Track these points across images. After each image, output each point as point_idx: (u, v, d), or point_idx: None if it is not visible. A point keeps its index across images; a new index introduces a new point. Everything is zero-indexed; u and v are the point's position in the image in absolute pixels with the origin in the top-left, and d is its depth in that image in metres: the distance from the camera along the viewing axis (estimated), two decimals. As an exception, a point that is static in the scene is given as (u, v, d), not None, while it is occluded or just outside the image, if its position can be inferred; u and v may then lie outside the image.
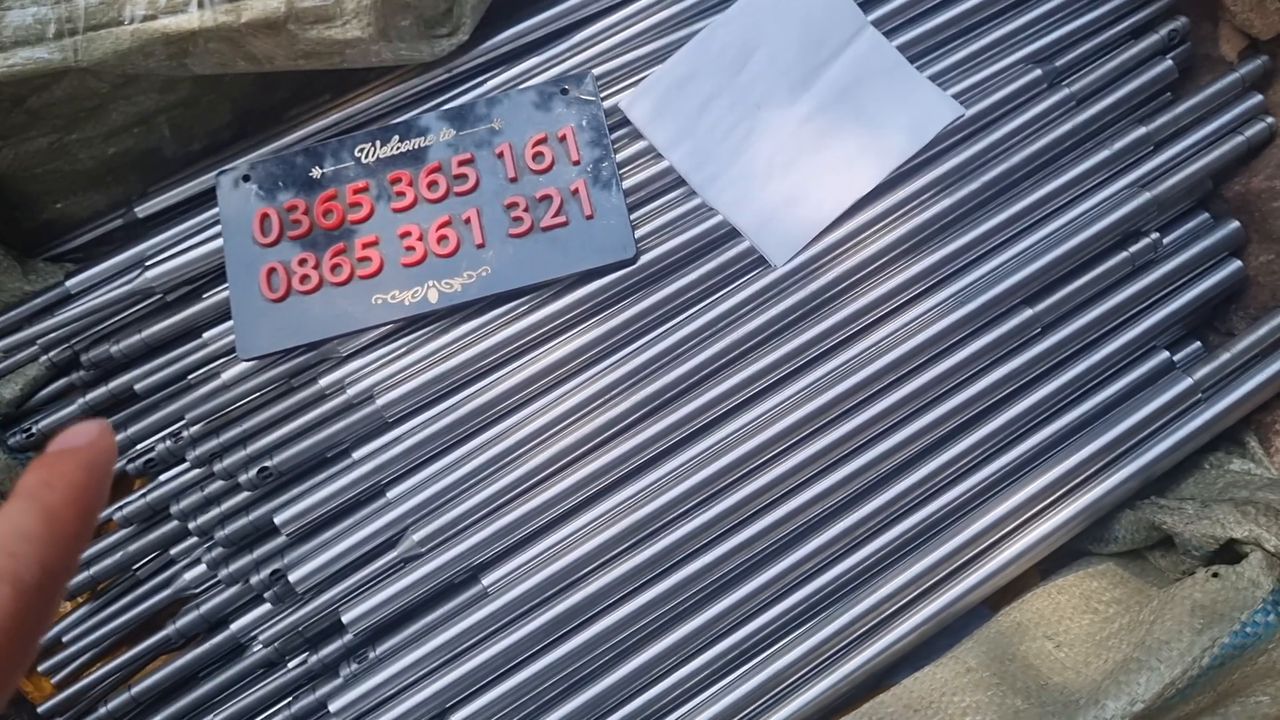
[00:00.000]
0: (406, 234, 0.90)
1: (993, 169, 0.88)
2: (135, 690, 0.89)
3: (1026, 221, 0.87)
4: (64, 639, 0.93)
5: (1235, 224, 0.89)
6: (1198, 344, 0.91)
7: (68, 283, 0.96)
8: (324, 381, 0.88)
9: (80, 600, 0.95)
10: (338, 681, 0.83)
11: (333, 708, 0.79)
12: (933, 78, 0.90)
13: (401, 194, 0.91)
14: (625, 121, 0.93)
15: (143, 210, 0.98)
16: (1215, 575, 0.71)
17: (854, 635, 0.81)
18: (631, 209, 0.89)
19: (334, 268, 0.89)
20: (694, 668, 0.81)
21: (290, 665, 0.87)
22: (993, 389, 0.85)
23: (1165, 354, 0.87)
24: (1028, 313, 0.85)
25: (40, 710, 0.91)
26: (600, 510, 0.83)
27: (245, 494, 0.87)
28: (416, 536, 0.82)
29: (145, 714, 0.90)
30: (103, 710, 0.90)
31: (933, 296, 0.86)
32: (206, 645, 0.89)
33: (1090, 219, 0.86)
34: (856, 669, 0.80)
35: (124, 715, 0.90)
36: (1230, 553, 0.73)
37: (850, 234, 0.87)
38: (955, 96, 0.89)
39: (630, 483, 0.84)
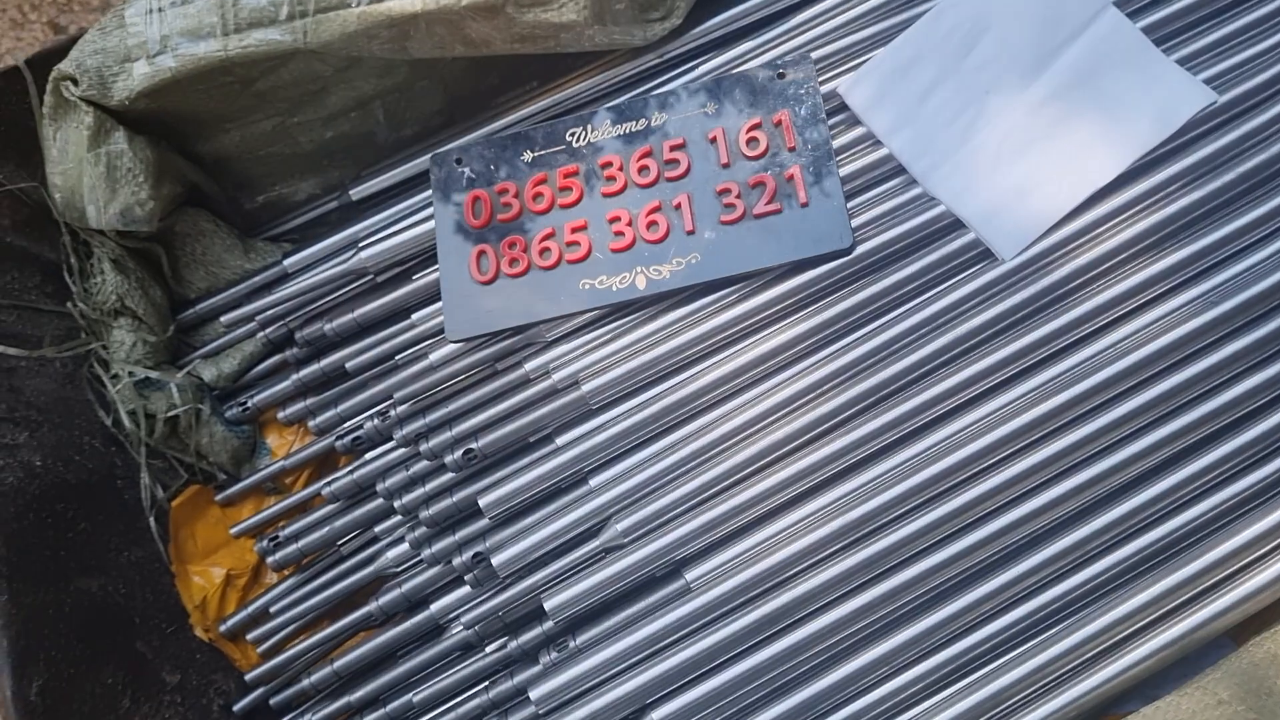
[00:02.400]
0: (615, 219, 0.88)
1: (1249, 160, 0.81)
2: (338, 664, 0.91)
3: (1289, 217, 0.80)
4: (271, 610, 0.95)
5: None
6: None
7: (285, 262, 0.99)
8: (529, 366, 0.87)
9: (287, 573, 0.97)
10: (536, 669, 0.82)
11: (533, 695, 0.78)
12: (1181, 61, 0.84)
13: (612, 178, 0.89)
14: (843, 107, 0.89)
15: (357, 193, 1.00)
16: None
17: (1082, 658, 0.75)
18: (848, 197, 0.86)
19: (542, 251, 0.89)
20: (905, 680, 0.77)
21: (489, 649, 0.86)
22: (1248, 397, 0.77)
23: None
24: (1292, 314, 0.77)
25: (248, 678, 0.94)
26: (811, 509, 0.80)
27: (450, 475, 0.87)
28: (620, 526, 0.80)
29: (346, 688, 0.91)
30: (305, 682, 0.92)
31: (1179, 295, 0.79)
32: (407, 624, 0.90)
33: (1367, 214, 0.78)
34: (1083, 695, 0.74)
35: (326, 687, 0.92)
36: None
37: (1087, 227, 0.81)
38: (1206, 82, 0.82)
39: (843, 481, 0.80)
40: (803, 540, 0.78)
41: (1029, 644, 0.76)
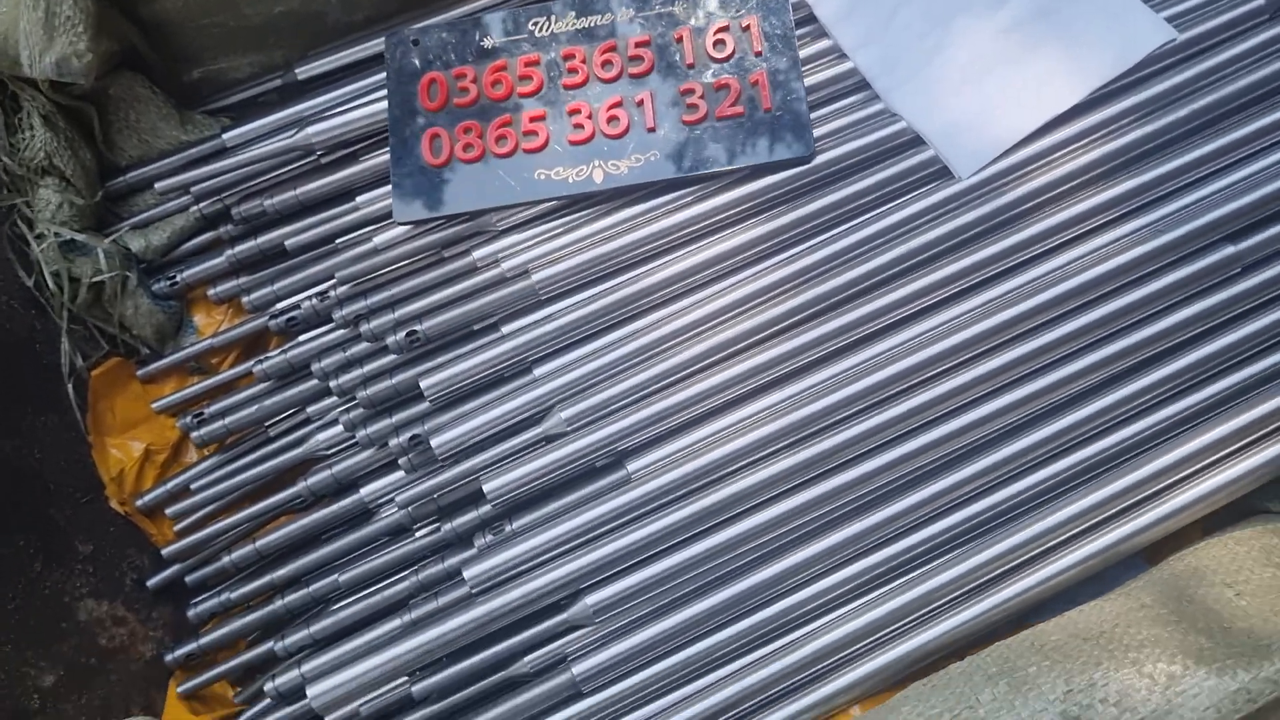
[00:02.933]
0: (576, 111, 0.87)
1: (1203, 98, 0.83)
2: (260, 543, 0.88)
3: (1236, 155, 0.82)
4: (191, 487, 0.92)
5: None
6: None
7: (224, 135, 0.95)
8: (478, 254, 0.86)
9: (210, 452, 0.94)
10: (470, 552, 0.81)
11: (467, 574, 0.77)
12: (1144, -1, 0.85)
13: (574, 70, 0.88)
14: (812, 18, 0.89)
15: (303, 73, 0.97)
16: None
17: (1007, 566, 0.77)
18: (811, 108, 0.85)
19: (499, 139, 0.87)
20: (839, 579, 0.78)
21: (419, 534, 0.85)
22: (1182, 326, 0.80)
23: (1374, 310, 0.82)
24: (1229, 250, 0.80)
25: (164, 553, 0.91)
26: (755, 408, 0.80)
27: (389, 358, 0.85)
28: (563, 415, 0.80)
29: (268, 568, 0.89)
30: (226, 560, 0.89)
31: (1127, 224, 0.81)
32: (335, 506, 0.88)
33: (1306, 158, 0.81)
34: (1005, 600, 0.77)
35: (247, 566, 0.89)
36: None
37: (1043, 152, 0.82)
38: (1169, 20, 0.84)
39: (788, 384, 0.80)
40: (745, 438, 0.78)
41: (960, 549, 0.78)
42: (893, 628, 0.77)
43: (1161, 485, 0.78)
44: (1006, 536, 0.77)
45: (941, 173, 0.84)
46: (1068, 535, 0.78)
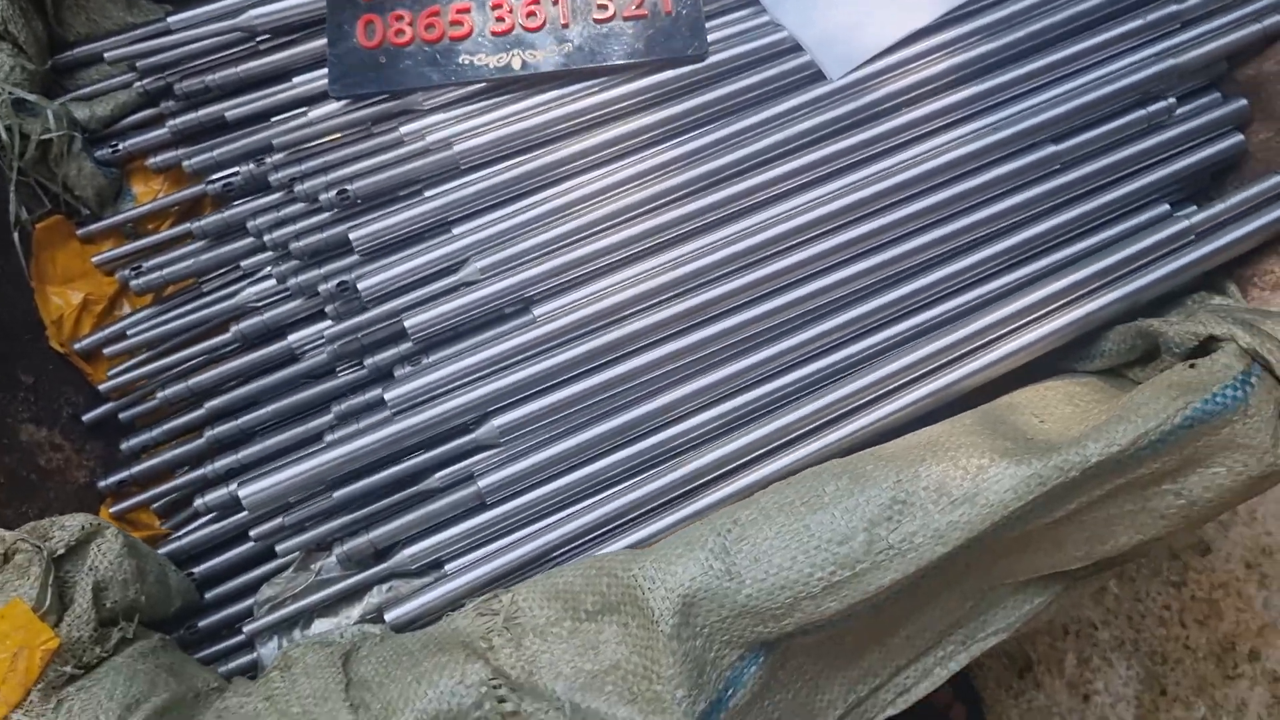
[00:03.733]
0: (499, 5, 0.98)
1: (1038, 21, 0.97)
2: (192, 382, 0.97)
3: (1062, 71, 0.97)
4: (128, 333, 1.00)
5: (1243, 101, 0.99)
6: (1195, 208, 1.00)
7: (169, 20, 1.03)
8: (405, 129, 0.96)
9: (146, 301, 1.02)
10: (391, 382, 0.91)
11: (387, 396, 0.87)
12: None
13: (498, -31, 0.99)
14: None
15: (245, -36, 1.05)
16: (1192, 366, 0.80)
17: (859, 403, 0.90)
18: (706, 16, 0.98)
19: (427, 26, 0.97)
20: (717, 412, 0.90)
21: (341, 373, 0.94)
22: (1010, 212, 0.94)
23: (1166, 206, 0.97)
24: (1051, 149, 0.94)
25: (100, 388, 0.98)
26: (646, 266, 0.91)
27: (321, 216, 0.94)
28: (479, 264, 0.90)
29: (198, 402, 0.97)
30: (159, 397, 0.97)
31: (969, 124, 0.95)
32: (264, 350, 0.96)
33: (1118, 76, 0.96)
34: (857, 429, 0.90)
35: (179, 401, 0.97)
36: (1207, 351, 0.82)
37: (903, 60, 0.96)
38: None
39: (677, 246, 0.92)
40: (636, 289, 0.90)
41: (818, 390, 0.91)
42: (760, 450, 0.89)
43: (985, 340, 0.92)
44: (857, 379, 0.90)
45: (816, 75, 0.96)
46: (908, 379, 0.91)
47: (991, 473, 0.75)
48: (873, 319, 0.92)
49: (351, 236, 0.91)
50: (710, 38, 0.97)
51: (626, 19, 0.97)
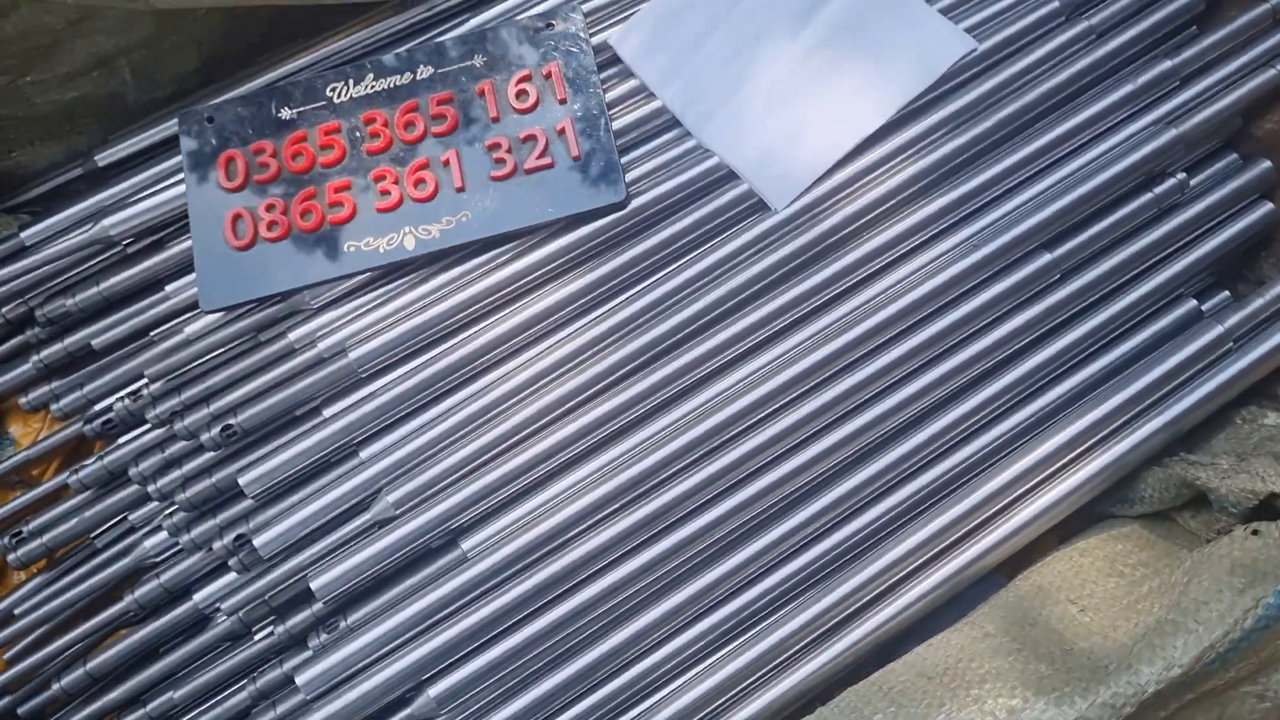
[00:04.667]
0: (381, 177, 0.84)
1: (1007, 106, 0.82)
2: (91, 665, 0.83)
3: (1044, 161, 0.82)
4: (16, 612, 0.87)
5: (1267, 164, 0.83)
6: (1226, 294, 0.85)
7: (22, 234, 0.90)
8: (293, 335, 0.82)
9: (35, 570, 0.89)
10: (306, 654, 0.77)
11: (300, 680, 0.73)
12: (944, 10, 0.84)
13: (376, 134, 0.85)
14: (615, 59, 0.87)
15: (103, 159, 0.92)
16: (1255, 533, 0.65)
17: (859, 602, 0.76)
18: (622, 151, 0.84)
19: (304, 213, 0.83)
20: (689, 637, 0.76)
21: (257, 637, 0.81)
22: (1008, 339, 0.79)
23: (1193, 302, 0.82)
24: (1046, 258, 0.79)
25: (-7, 685, 0.86)
26: (587, 470, 0.77)
27: (208, 455, 0.81)
28: (391, 498, 0.76)
29: (103, 690, 0.84)
30: (56, 687, 0.84)
31: (945, 241, 0.80)
32: (168, 617, 0.83)
33: (1113, 158, 0.81)
34: (861, 639, 0.75)
35: (80, 692, 0.84)
36: (1270, 509, 0.67)
37: (855, 175, 0.81)
38: (968, 30, 0.83)
39: (620, 441, 0.78)
40: (579, 502, 0.76)
41: (811, 591, 0.77)
42: (748, 682, 0.74)
43: (1005, 501, 0.77)
44: (856, 572, 0.76)
45: (759, 206, 0.82)
46: (919, 563, 0.76)
47: (1026, 718, 0.61)
48: (866, 492, 0.78)
49: (241, 482, 0.78)
50: (629, 176, 0.83)
51: (529, 171, 0.83)
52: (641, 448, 0.77)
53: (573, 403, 0.78)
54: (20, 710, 0.85)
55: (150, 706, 0.82)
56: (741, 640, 0.76)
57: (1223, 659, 0.61)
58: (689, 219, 0.82)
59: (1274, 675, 0.64)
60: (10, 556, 0.86)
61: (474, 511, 0.77)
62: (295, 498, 0.79)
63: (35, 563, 0.88)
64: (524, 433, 0.78)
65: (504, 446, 0.78)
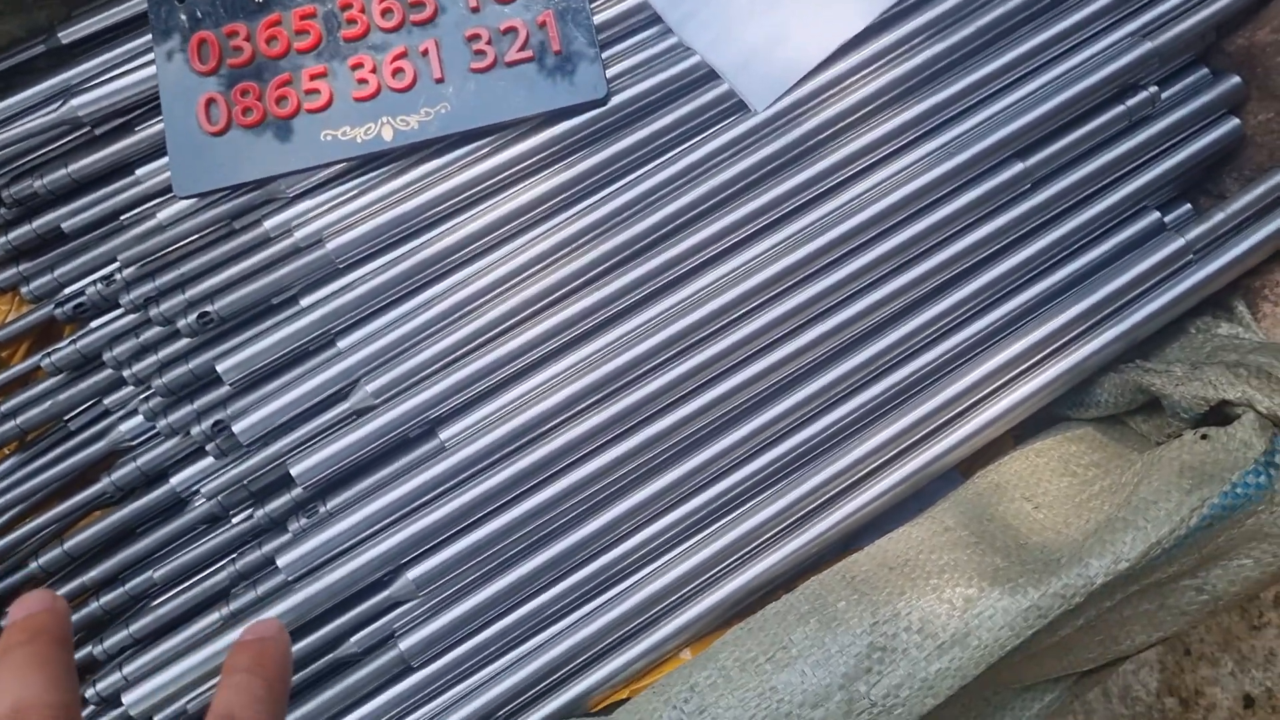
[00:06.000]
0: (358, 65, 0.83)
1: (987, 14, 0.82)
2: (69, 545, 0.85)
3: (1021, 71, 0.83)
4: (-10, 492, 0.88)
5: (1236, 79, 0.85)
6: (1189, 206, 0.87)
7: (-14, 111, 0.88)
8: (269, 224, 0.82)
9: (7, 452, 0.89)
10: (286, 537, 0.79)
11: (281, 562, 0.75)
12: (928, -86, 0.84)
13: (353, 21, 0.83)
14: (598, -49, 0.86)
15: (67, 35, 0.90)
16: (1204, 437, 0.69)
17: (825, 496, 0.79)
18: (603, 46, 0.83)
19: (279, 99, 0.82)
20: (660, 527, 0.79)
21: (235, 520, 0.83)
22: (978, 246, 0.81)
23: (1156, 214, 0.84)
24: (1018, 166, 0.81)
25: (-32, 565, 0.87)
26: (566, 364, 0.79)
27: (185, 341, 0.81)
28: (370, 388, 0.77)
29: (81, 569, 0.85)
30: (35, 565, 0.85)
31: (920, 147, 0.81)
32: (145, 499, 0.84)
33: (1087, 69, 0.82)
34: (826, 530, 0.78)
35: (58, 570, 0.86)
36: (1219, 415, 0.71)
37: (836, 78, 0.81)
38: (952, -67, 0.83)
39: (598, 336, 0.79)
40: (557, 395, 0.77)
41: (778, 485, 0.79)
42: (717, 569, 0.78)
43: (968, 403, 0.80)
44: (823, 468, 0.79)
45: (739, 106, 0.82)
46: (883, 460, 0.79)
47: (982, 607, 0.64)
48: (834, 392, 0.80)
49: (219, 369, 0.78)
50: (610, 72, 0.82)
51: (510, 65, 0.82)
52: (618, 343, 0.79)
53: (552, 297, 0.79)
54: (-2, 587, 0.87)
55: (129, 585, 0.84)
56: (712, 530, 0.79)
57: (1168, 555, 0.64)
58: (669, 118, 0.82)
59: (1213, 570, 0.68)
60: (-29, 443, 0.87)
61: (452, 402, 0.78)
62: (273, 385, 0.79)
63: (9, 443, 0.88)
64: (502, 326, 0.79)
65: (483, 339, 0.79)
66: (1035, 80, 0.82)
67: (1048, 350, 0.80)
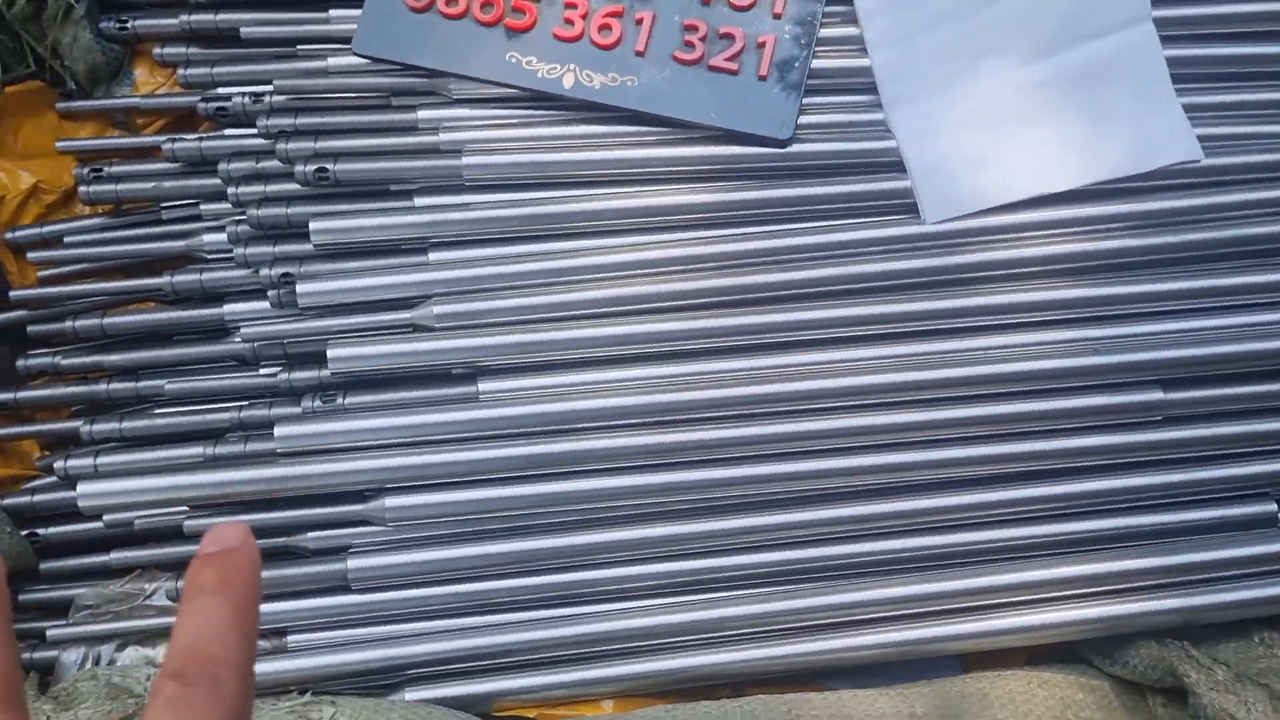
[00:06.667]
0: (572, 4, 0.81)
1: (1199, 232, 0.77)
2: (107, 321, 0.85)
3: (1208, 303, 0.77)
4: (66, 240, 0.88)
5: None
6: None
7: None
8: (422, 114, 0.80)
9: (98, 211, 0.90)
10: (294, 410, 0.78)
11: (277, 432, 0.74)
12: (1187, 108, 0.78)
13: (589, -40, 0.82)
14: (850, -2, 0.82)
15: None
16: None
17: (815, 622, 0.74)
18: (808, 92, 0.79)
19: (485, 4, 0.81)
20: (644, 571, 0.75)
21: (261, 372, 0.82)
22: (1081, 453, 0.75)
23: (1274, 507, 0.77)
24: (1157, 395, 0.75)
25: (13, 295, 0.87)
26: (626, 375, 0.76)
27: (294, 185, 0.80)
28: (436, 310, 0.75)
29: (107, 349, 0.86)
30: (69, 324, 0.86)
31: (1070, 330, 0.76)
32: (193, 312, 0.84)
33: (1274, 332, 0.75)
34: (801, 654, 0.74)
35: (88, 338, 0.86)
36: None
37: (1017, 225, 0.77)
38: (1201, 139, 0.77)
39: (671, 362, 0.76)
40: (605, 401, 0.75)
41: (769, 589, 0.76)
42: (677, 639, 0.74)
43: (997, 601, 0.75)
44: (827, 594, 0.74)
45: (909, 208, 0.78)
46: (888, 614, 0.75)
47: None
48: (871, 524, 0.76)
49: (312, 226, 0.78)
50: (802, 120, 0.79)
51: (712, 69, 0.79)
52: (698, 376, 0.75)
53: (646, 305, 0.76)
54: (29, 329, 0.87)
55: (141, 384, 0.84)
56: (690, 599, 0.75)
57: None
58: (836, 188, 0.78)
59: None
60: (83, 188, 0.87)
61: (506, 359, 0.76)
62: (352, 264, 0.78)
63: (104, 204, 0.89)
64: (588, 310, 0.76)
65: (562, 315, 0.76)
66: (1216, 319, 0.76)
67: (1101, 588, 0.74)
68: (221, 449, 0.77)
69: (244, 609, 0.34)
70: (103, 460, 0.78)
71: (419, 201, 0.79)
